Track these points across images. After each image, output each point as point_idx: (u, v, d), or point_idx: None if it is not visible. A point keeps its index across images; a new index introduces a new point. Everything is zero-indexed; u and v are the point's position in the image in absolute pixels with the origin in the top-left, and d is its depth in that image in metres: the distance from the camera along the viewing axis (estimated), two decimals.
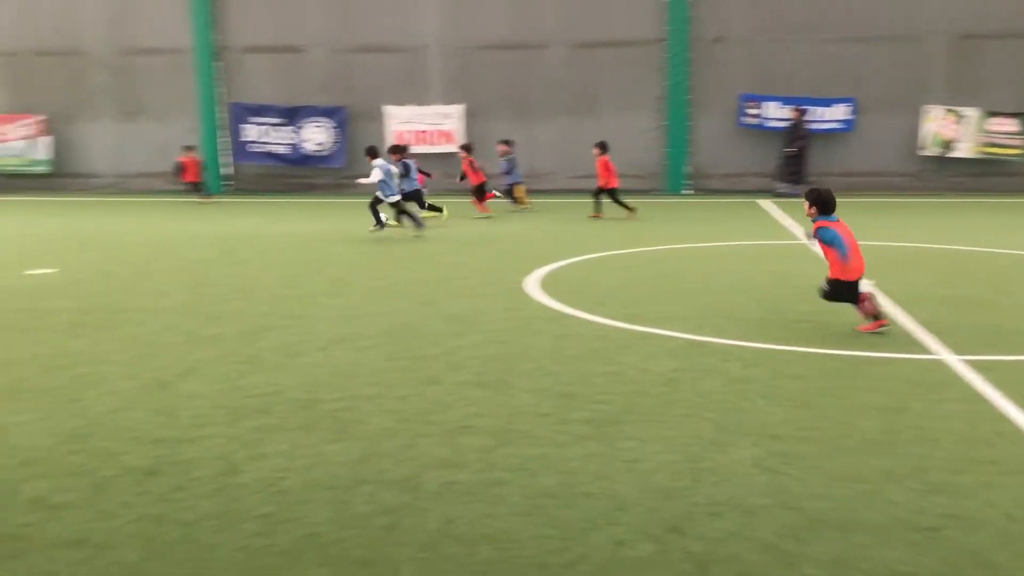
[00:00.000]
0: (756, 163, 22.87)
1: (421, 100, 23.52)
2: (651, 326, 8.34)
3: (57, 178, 24.77)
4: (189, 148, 21.65)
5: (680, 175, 23.36)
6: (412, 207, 15.76)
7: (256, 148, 24.05)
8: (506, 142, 19.34)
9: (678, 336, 8.05)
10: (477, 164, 18.51)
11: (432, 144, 23.36)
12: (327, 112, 23.76)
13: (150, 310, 9.44)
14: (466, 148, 19.02)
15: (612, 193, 17.51)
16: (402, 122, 23.51)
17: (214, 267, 12.29)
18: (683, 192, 23.11)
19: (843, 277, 7.94)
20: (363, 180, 15.08)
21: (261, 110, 23.93)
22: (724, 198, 21.86)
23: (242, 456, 5.29)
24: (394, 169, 15.27)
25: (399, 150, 16.88)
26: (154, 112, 24.30)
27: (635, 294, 10.10)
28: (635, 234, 15.26)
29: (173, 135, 23.66)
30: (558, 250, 13.23)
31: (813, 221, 8.10)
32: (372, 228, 15.16)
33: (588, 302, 9.46)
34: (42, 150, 24.72)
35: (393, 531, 4.34)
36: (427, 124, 23.43)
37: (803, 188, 22.10)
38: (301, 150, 23.94)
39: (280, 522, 4.43)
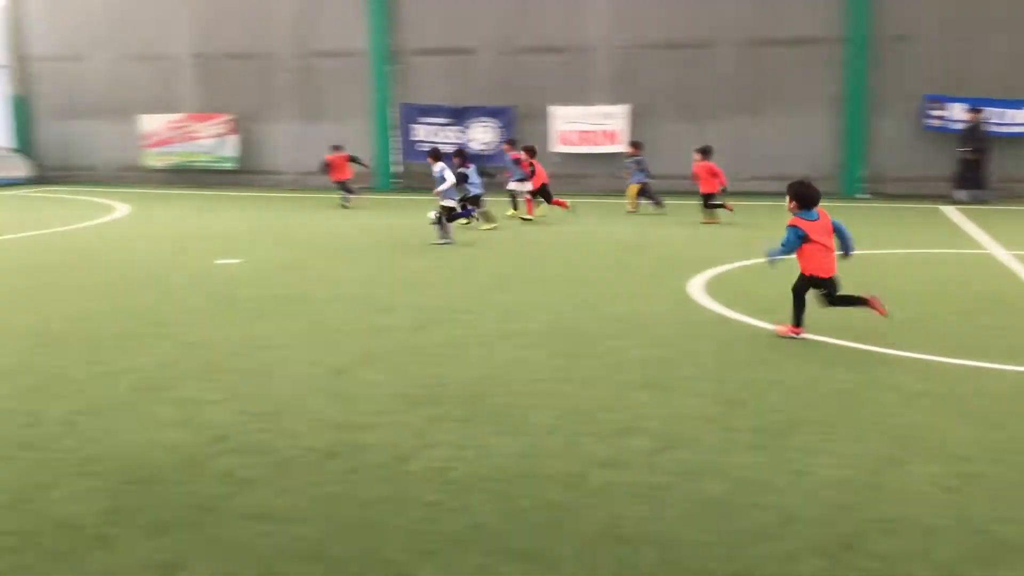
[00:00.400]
0: (938, 168, 21.60)
1: (586, 100, 23.57)
2: (822, 335, 8.06)
3: (242, 174, 26.32)
4: (337, 147, 21.52)
5: (856, 178, 22.39)
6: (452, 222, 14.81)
7: (424, 147, 24.77)
8: (635, 144, 19.13)
9: (852, 346, 7.74)
10: (538, 166, 18.38)
11: (596, 144, 23.37)
12: (493, 112, 24.20)
13: (327, 299, 9.90)
14: (529, 151, 18.88)
15: (707, 198, 17.02)
16: (567, 122, 23.64)
17: (386, 260, 12.76)
18: (858, 196, 22.14)
19: (812, 272, 7.93)
20: (443, 187, 14.37)
21: (430, 110, 24.64)
22: (902, 203, 20.80)
23: (413, 444, 5.49)
24: (447, 176, 14.50)
25: (461, 155, 17.18)
26: (331, 112, 25.42)
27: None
28: None
29: (348, 134, 24.66)
30: (722, 253, 12.97)
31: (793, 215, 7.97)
32: (473, 224, 15.71)
33: (755, 308, 9.23)
34: (230, 148, 26.35)
35: (555, 527, 4.40)
36: (591, 124, 23.46)
37: (984, 195, 20.97)
38: (467, 149, 24.43)
39: (447, 510, 4.57)
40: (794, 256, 8.05)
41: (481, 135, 24.36)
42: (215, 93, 26.53)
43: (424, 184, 24.48)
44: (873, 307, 7.94)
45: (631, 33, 23.25)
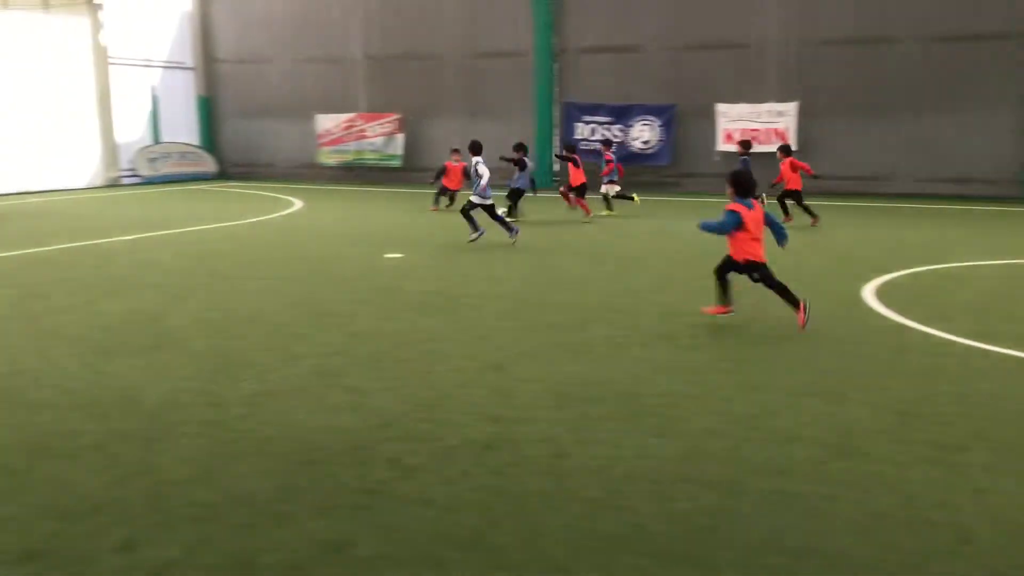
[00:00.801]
0: None
1: (754, 98, 22.96)
2: (1008, 347, 7.55)
3: (407, 172, 27.15)
4: (456, 151, 20.38)
5: None
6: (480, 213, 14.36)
7: (586, 146, 24.81)
8: (744, 143, 18.37)
9: None
10: (580, 162, 18.26)
11: (765, 143, 22.71)
12: (656, 110, 23.95)
13: (487, 296, 10.08)
14: (570, 148, 19.02)
15: (788, 196, 16.45)
16: (732, 120, 23.11)
17: (545, 258, 12.86)
18: None
19: (741, 258, 8.45)
20: (483, 182, 13.81)
21: (592, 109, 24.64)
22: None
23: (570, 440, 5.52)
24: (483, 170, 13.91)
25: (521, 148, 17.33)
26: (495, 111, 25.87)
27: (987, 310, 9.19)
28: (984, 245, 13.86)
29: (511, 133, 25.02)
30: (894, 258, 12.35)
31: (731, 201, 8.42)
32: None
33: (930, 315, 8.75)
34: (397, 146, 27.25)
35: (715, 532, 4.31)
36: (760, 122, 22.82)
37: None
38: (628, 148, 24.33)
39: (605, 508, 4.56)
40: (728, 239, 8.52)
41: (642, 133, 24.16)
42: (384, 93, 27.51)
43: (589, 183, 24.55)
44: (798, 313, 8.30)
45: (803, 28, 22.48)
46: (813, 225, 15.99)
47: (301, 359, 7.41)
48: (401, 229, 16.59)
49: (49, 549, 4.12)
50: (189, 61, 29.99)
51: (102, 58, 26.64)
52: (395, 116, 27.20)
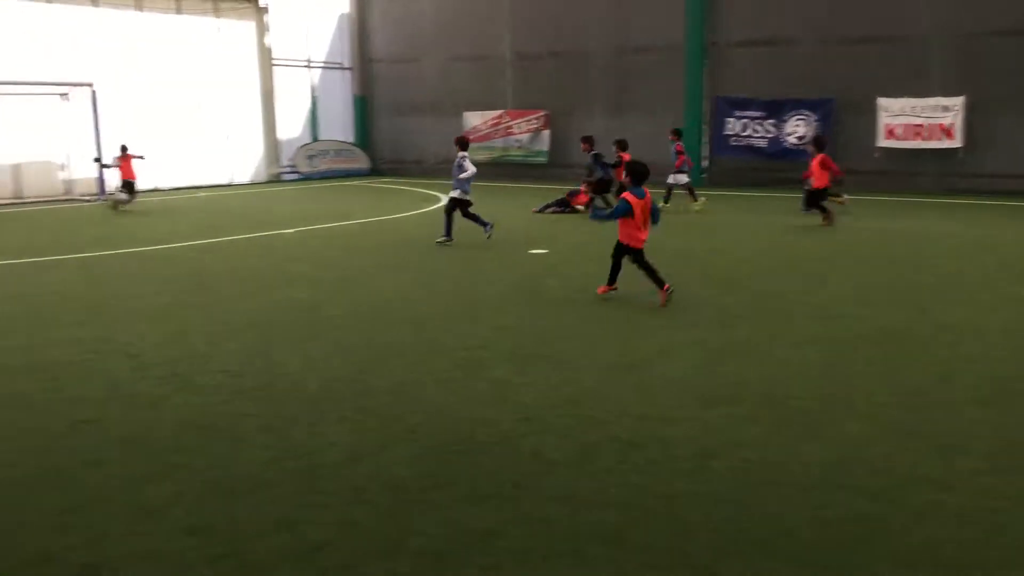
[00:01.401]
0: None
1: (918, 92, 21.80)
2: None
3: (552, 168, 27.25)
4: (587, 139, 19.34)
5: None
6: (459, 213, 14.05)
7: (736, 142, 24.25)
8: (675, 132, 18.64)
9: None
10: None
11: (930, 140, 21.52)
12: (812, 105, 23.11)
13: (631, 293, 10.02)
14: (676, 133, 18.84)
15: (818, 194, 15.73)
16: (894, 115, 22.03)
17: (691, 257, 12.66)
18: None
19: (625, 242, 9.37)
20: (464, 175, 13.75)
21: (744, 104, 24.04)
22: None
23: (715, 442, 5.42)
24: (468, 165, 13.94)
25: (590, 141, 17.22)
26: (642, 107, 25.63)
27: None
28: None
29: (659, 129, 24.74)
30: None
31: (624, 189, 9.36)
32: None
33: None
34: (543, 142, 27.43)
35: (868, 542, 4.15)
36: (923, 118, 21.65)
37: None
38: (781, 143, 23.62)
39: (752, 512, 4.47)
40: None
41: (796, 128, 23.38)
42: (531, 90, 27.72)
43: (730, 180, 24.09)
44: (661, 293, 9.22)
45: (969, 18, 21.18)
46: (825, 224, 15.37)
47: (448, 351, 7.58)
48: (545, 225, 16.69)
49: (213, 524, 4.38)
50: (346, 61, 31.13)
51: (267, 60, 28.00)
52: (542, 113, 27.37)
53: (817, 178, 15.64)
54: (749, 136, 24.11)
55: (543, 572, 3.92)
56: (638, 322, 8.64)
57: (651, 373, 6.92)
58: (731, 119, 24.29)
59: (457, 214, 13.92)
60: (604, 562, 3.99)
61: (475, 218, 13.95)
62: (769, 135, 23.79)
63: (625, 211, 9.22)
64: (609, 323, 8.61)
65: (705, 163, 25.06)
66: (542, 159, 27.53)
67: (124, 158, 19.64)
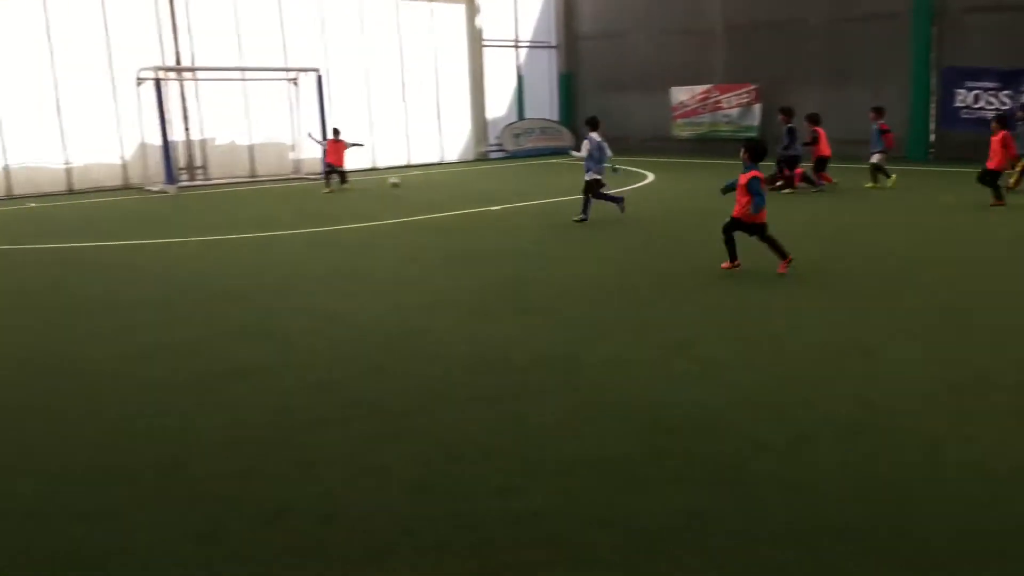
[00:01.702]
0: None
1: None
2: None
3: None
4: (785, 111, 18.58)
5: None
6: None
7: (967, 115, 22.48)
8: (784, 111, 17.51)
9: None
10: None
11: None
12: None
13: (856, 271, 9.57)
14: (786, 112, 17.65)
15: (993, 174, 14.53)
16: None
17: (925, 231, 11.90)
18: None
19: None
20: (574, 153, 13.59)
21: (977, 73, 22.22)
22: None
23: (948, 433, 5.10)
24: (599, 143, 13.91)
25: (788, 112, 16.43)
26: (862, 79, 24.22)
27: None
28: None
29: (879, 102, 23.35)
30: None
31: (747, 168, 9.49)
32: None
33: None
34: (753, 117, 26.56)
35: None
36: None
37: None
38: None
39: (990, 508, 4.18)
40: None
41: None
42: (743, 63, 26.86)
43: (959, 155, 22.36)
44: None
45: None
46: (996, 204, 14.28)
47: (654, 329, 7.54)
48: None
49: (437, 485, 4.60)
50: (553, 39, 31.39)
51: (476, 41, 28.72)
52: (752, 86, 26.50)
53: (995, 157, 14.60)
54: (982, 108, 22.29)
55: (760, 557, 3.84)
56: (866, 302, 8.23)
57: (879, 356, 6.60)
58: (962, 90, 22.54)
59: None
60: (827, 552, 3.85)
61: (608, 197, 14.10)
62: (1004, 107, 21.89)
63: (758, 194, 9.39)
64: (833, 301, 8.26)
65: (932, 138, 23.42)
66: (752, 134, 26.62)
67: (335, 143, 19.83)
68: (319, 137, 21.49)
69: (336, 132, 20.24)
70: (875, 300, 8.40)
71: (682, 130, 28.37)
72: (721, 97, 27.26)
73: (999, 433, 5.08)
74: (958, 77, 22.59)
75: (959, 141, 23.01)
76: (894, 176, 17.58)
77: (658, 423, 5.41)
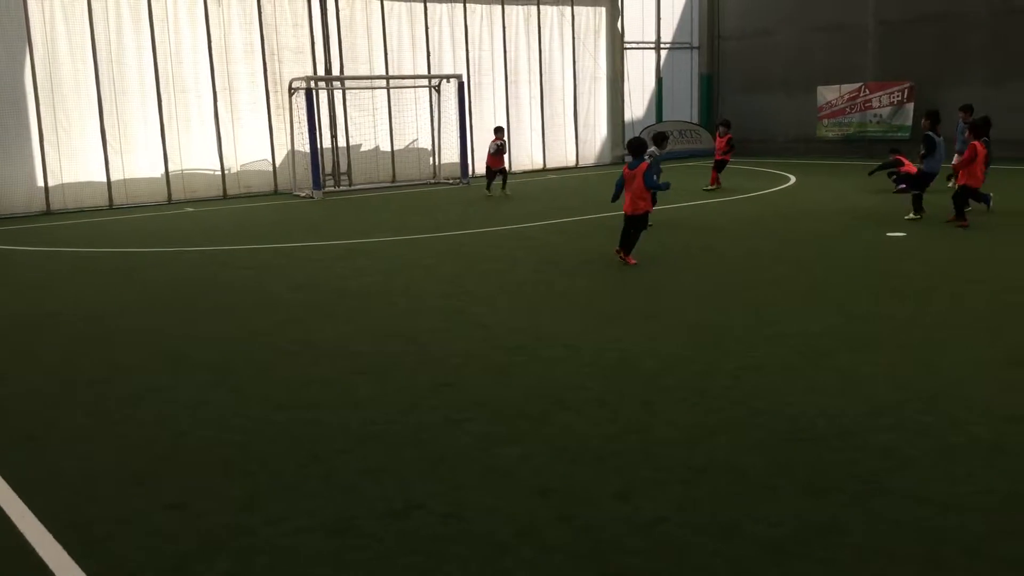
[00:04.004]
0: None
1: None
2: None
3: (915, 143, 24.99)
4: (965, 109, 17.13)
5: None
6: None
7: None
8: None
9: None
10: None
11: None
12: None
13: (990, 280, 9.03)
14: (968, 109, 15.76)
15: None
16: None
17: None
18: None
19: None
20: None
21: None
22: None
23: None
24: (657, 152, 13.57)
25: (934, 117, 13.58)
26: None
27: None
28: None
29: None
30: None
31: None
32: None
33: None
34: (905, 116, 25.34)
35: None
36: None
37: None
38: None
39: None
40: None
41: None
42: (895, 60, 25.70)
43: None
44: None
45: None
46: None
47: (788, 337, 7.34)
48: (898, 206, 15.46)
49: (560, 488, 4.63)
50: (694, 40, 30.92)
51: (618, 43, 28.59)
52: (906, 84, 25.31)
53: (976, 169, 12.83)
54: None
55: (890, 573, 3.69)
56: (1008, 313, 7.76)
57: None
58: None
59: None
60: (962, 571, 3.67)
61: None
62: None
63: (618, 184, 10.85)
64: (976, 313, 7.83)
65: None
66: (904, 134, 25.43)
67: (499, 141, 19.70)
68: (493, 148, 20.14)
69: (499, 131, 20.10)
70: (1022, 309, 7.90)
71: (827, 131, 27.40)
72: (872, 96, 26.18)
73: None
74: None
75: None
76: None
77: (789, 433, 5.27)
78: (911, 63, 25.26)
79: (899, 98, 25.56)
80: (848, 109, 26.75)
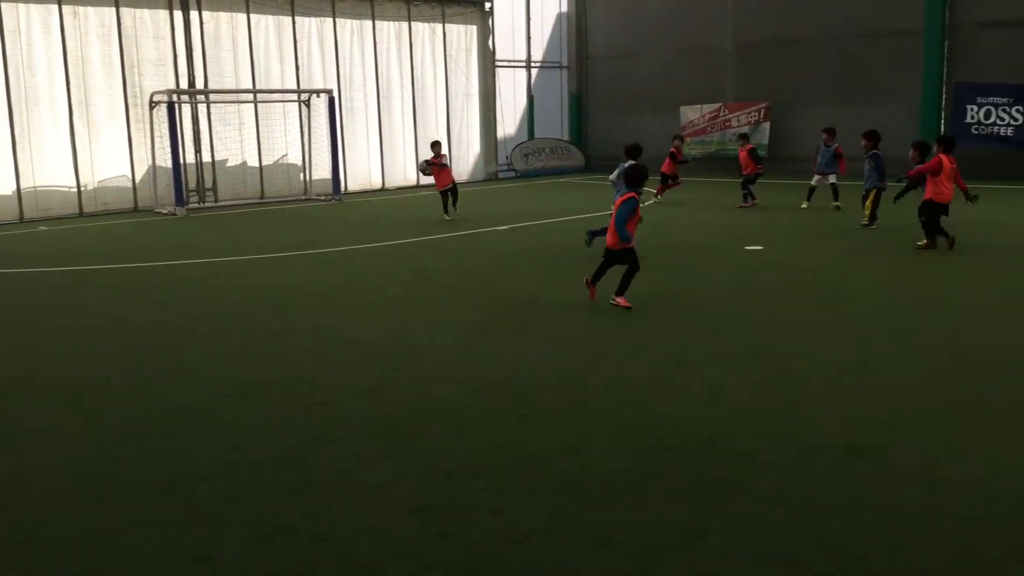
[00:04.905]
0: None
1: None
2: None
3: (772, 161, 26.24)
4: (743, 136, 20.04)
5: None
6: None
7: (979, 131, 22.41)
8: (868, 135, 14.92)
9: None
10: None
11: None
12: None
13: (849, 292, 9.54)
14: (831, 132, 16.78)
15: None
16: None
17: (915, 256, 11.85)
18: None
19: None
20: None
21: (989, 89, 22.16)
22: None
23: (944, 451, 5.08)
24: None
25: (873, 137, 14.29)
26: (872, 95, 24.22)
27: None
28: None
29: (890, 118, 23.36)
30: None
31: None
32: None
33: None
34: (762, 135, 26.54)
35: None
36: None
37: None
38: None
39: (985, 527, 4.15)
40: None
41: None
42: (752, 82, 26.90)
43: (976, 172, 22.26)
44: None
45: None
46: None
47: (659, 347, 7.53)
48: (761, 221, 16.17)
49: (434, 505, 4.59)
50: (564, 60, 31.52)
51: (489, 61, 28.85)
52: (763, 104, 26.51)
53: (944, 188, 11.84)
54: (994, 124, 22.24)
55: (751, 574, 3.82)
56: (861, 322, 8.20)
57: (877, 375, 6.58)
58: (972, 106, 22.49)
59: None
60: (817, 568, 3.83)
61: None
62: (1016, 123, 21.84)
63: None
64: (831, 322, 8.23)
65: None
66: (761, 152, 26.59)
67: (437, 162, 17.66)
68: (424, 165, 18.06)
69: (435, 145, 18.06)
70: (873, 318, 8.35)
71: (691, 149, 28.37)
72: (731, 115, 27.28)
73: (995, 451, 5.03)
74: (970, 93, 22.54)
75: (970, 157, 22.92)
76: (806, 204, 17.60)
77: (657, 441, 5.39)
78: (767, 85, 26.50)
79: (756, 118, 26.73)
80: (709, 128, 27.79)
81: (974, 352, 7.11)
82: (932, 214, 11.83)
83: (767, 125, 26.46)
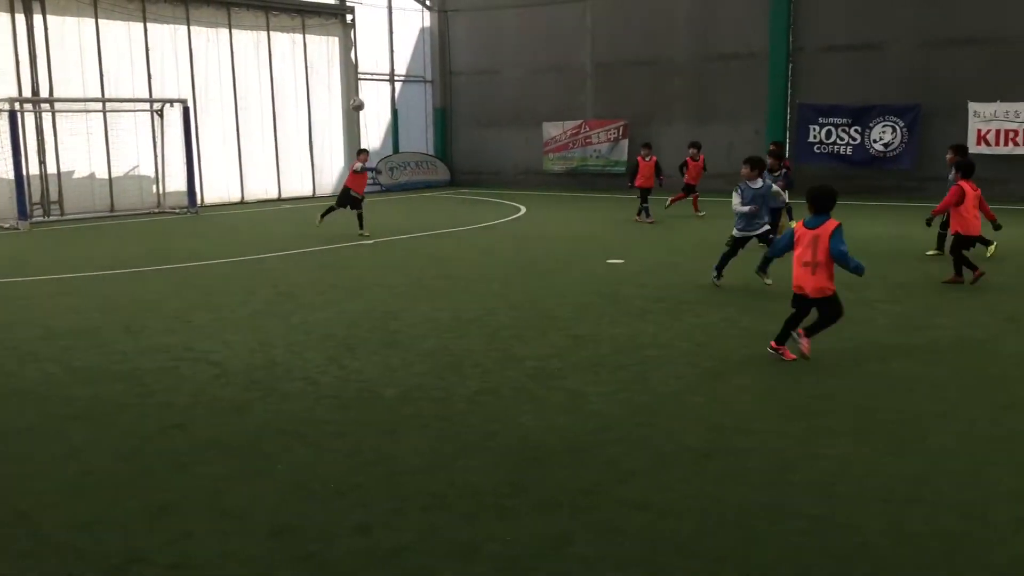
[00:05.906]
0: None
1: (1014, 96, 21.06)
2: None
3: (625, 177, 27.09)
4: (647, 146, 19.56)
5: None
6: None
7: (820, 149, 23.78)
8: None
9: None
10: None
11: (1020, 146, 20.86)
12: (899, 111, 22.55)
13: (709, 302, 9.93)
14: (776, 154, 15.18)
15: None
16: (986, 120, 21.33)
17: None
18: None
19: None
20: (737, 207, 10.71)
21: (829, 110, 23.57)
22: None
23: (794, 454, 5.35)
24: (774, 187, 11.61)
25: (778, 155, 14.53)
26: (724, 115, 25.33)
27: None
28: None
29: (740, 137, 24.48)
30: None
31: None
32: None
33: None
34: (621, 152, 27.34)
35: (952, 558, 4.05)
36: (1018, 123, 20.95)
37: None
38: (867, 151, 23.10)
39: (831, 525, 4.39)
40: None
41: (883, 135, 22.85)
42: (612, 100, 27.65)
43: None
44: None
45: None
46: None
47: (522, 360, 7.63)
48: (623, 234, 16.63)
49: (295, 527, 4.50)
50: (428, 74, 31.56)
51: (352, 74, 28.57)
52: (621, 122, 27.30)
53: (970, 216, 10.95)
54: (834, 143, 23.65)
55: None
56: (717, 331, 8.55)
57: (730, 383, 6.86)
58: (815, 126, 23.84)
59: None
60: (676, 571, 3.97)
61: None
62: (855, 142, 23.30)
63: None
64: (686, 332, 8.54)
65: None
66: (621, 168, 27.40)
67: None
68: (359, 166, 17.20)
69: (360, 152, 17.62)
70: (731, 327, 8.72)
71: (554, 164, 28.93)
72: (591, 132, 27.97)
73: (841, 452, 5.34)
74: (812, 113, 23.90)
75: (813, 174, 24.23)
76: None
77: (523, 452, 5.46)
78: (626, 102, 27.32)
79: (615, 135, 27.50)
80: (571, 144, 28.41)
81: (823, 356, 7.51)
82: (961, 247, 10.81)
83: (625, 142, 27.24)
